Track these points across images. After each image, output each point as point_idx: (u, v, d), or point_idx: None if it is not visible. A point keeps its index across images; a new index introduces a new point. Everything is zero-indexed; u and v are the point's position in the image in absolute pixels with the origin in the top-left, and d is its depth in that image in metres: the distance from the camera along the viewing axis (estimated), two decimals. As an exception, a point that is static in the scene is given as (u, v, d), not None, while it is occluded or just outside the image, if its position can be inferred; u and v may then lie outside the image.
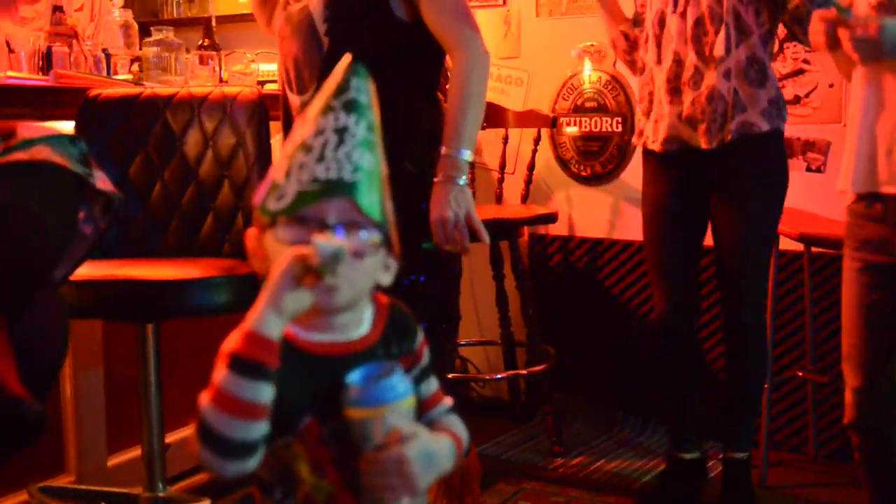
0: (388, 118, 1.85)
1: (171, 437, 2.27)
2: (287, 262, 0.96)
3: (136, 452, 2.37)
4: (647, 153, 2.44)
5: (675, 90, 2.30)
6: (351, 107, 1.03)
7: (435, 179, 1.81)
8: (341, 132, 1.02)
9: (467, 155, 1.81)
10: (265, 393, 0.95)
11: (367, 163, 1.03)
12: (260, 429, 0.95)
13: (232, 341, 0.99)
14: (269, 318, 0.95)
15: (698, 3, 2.26)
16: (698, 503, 2.52)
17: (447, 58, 1.95)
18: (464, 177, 1.81)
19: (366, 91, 1.05)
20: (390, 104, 1.88)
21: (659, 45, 2.33)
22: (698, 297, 2.54)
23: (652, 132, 2.37)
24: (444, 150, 1.81)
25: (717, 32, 2.25)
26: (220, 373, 0.95)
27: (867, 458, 1.93)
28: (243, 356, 0.94)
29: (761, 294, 2.45)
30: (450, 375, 3.24)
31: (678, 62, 2.28)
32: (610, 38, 2.51)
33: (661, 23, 2.32)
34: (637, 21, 2.44)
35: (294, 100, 1.91)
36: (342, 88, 1.04)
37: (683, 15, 2.28)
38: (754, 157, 2.32)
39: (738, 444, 2.48)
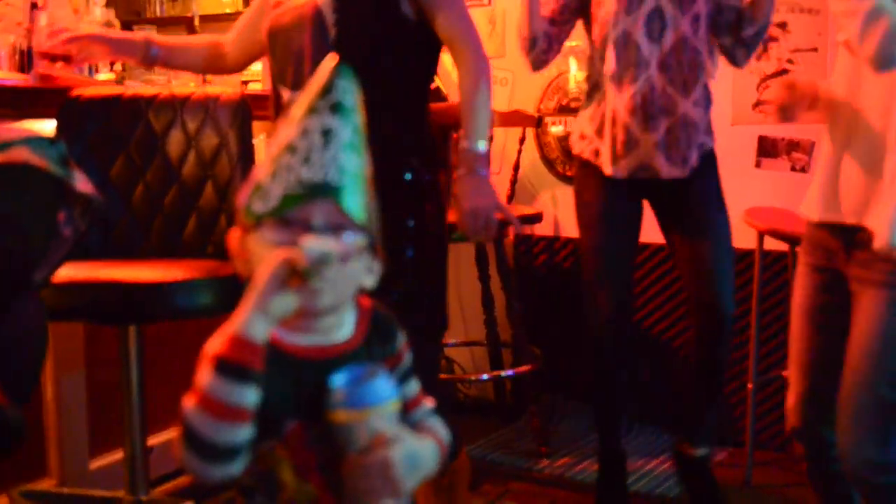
0: (392, 120, 1.85)
1: (153, 440, 2.25)
2: (273, 264, 0.95)
3: (118, 455, 2.35)
4: (595, 169, 2.37)
5: (648, 117, 2.26)
6: (336, 109, 1.03)
7: (458, 173, 1.87)
8: (327, 134, 1.01)
9: (485, 146, 1.87)
10: (250, 396, 0.94)
11: (352, 165, 1.02)
12: (245, 432, 0.94)
13: (214, 344, 0.98)
14: (255, 321, 0.95)
15: (676, 29, 2.24)
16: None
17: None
18: (485, 168, 1.87)
19: (351, 93, 1.05)
20: (396, 105, 1.88)
21: (625, 66, 2.26)
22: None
23: (612, 155, 2.31)
24: (464, 143, 1.86)
25: (694, 59, 2.25)
26: (205, 376, 0.94)
27: (811, 465, 1.95)
28: (229, 359, 0.94)
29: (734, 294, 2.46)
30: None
31: (651, 88, 2.25)
32: (525, 34, 2.38)
33: (626, 43, 2.26)
34: (554, 21, 2.38)
35: (291, 96, 1.88)
36: (327, 90, 1.03)
37: (658, 40, 2.24)
38: (710, 173, 2.37)
39: (701, 440, 2.48)
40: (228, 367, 0.93)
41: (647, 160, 2.28)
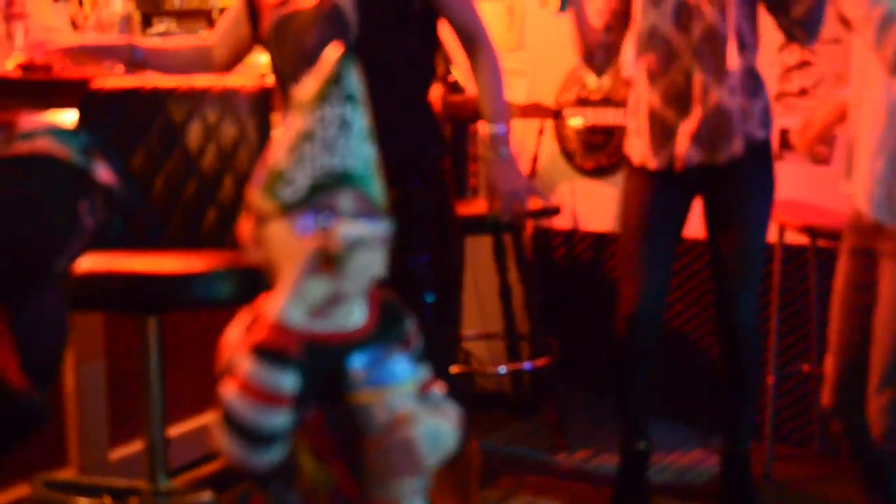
0: (410, 111, 1.89)
1: (173, 430, 2.27)
2: (308, 250, 0.97)
3: (138, 445, 2.37)
4: (637, 169, 2.39)
5: (683, 107, 2.26)
6: (348, 98, 1.05)
7: (487, 158, 1.99)
8: (343, 123, 1.03)
9: (504, 128, 1.96)
10: (290, 381, 0.96)
11: (369, 153, 1.05)
12: (286, 417, 0.97)
13: (236, 332, 1.00)
14: (291, 307, 0.97)
15: (702, 18, 2.23)
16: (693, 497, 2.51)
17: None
18: (507, 148, 1.97)
19: (358, 83, 1.07)
20: (412, 98, 1.93)
21: (657, 59, 2.27)
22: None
23: (650, 148, 2.32)
24: (486, 129, 1.97)
25: (722, 46, 2.23)
26: (246, 363, 0.95)
27: (849, 443, 1.97)
28: (269, 345, 0.96)
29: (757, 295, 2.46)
30: (452, 370, 3.24)
31: (686, 77, 2.25)
32: (581, 49, 2.40)
33: (656, 37, 2.26)
34: (610, 29, 2.39)
35: None
36: (338, 79, 1.05)
37: (686, 29, 2.23)
38: (754, 166, 2.35)
39: (738, 439, 2.48)
40: (268, 353, 0.95)
41: (683, 150, 2.28)
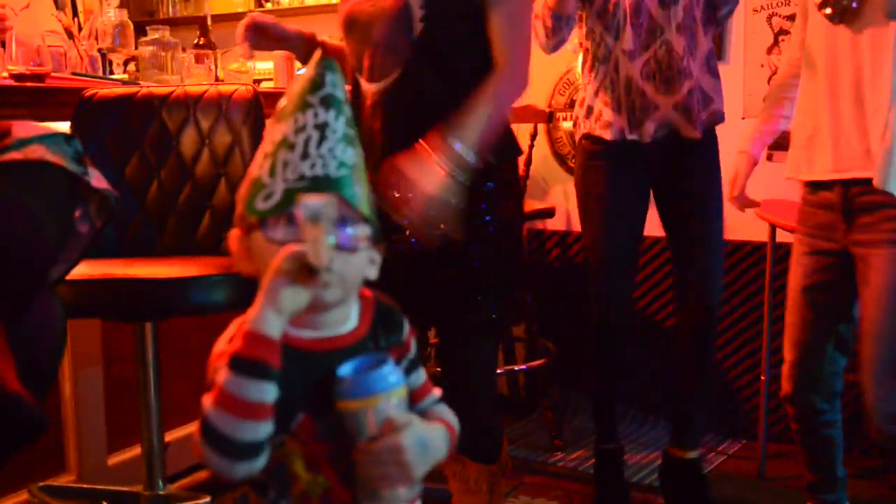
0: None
1: (170, 436, 2.28)
2: (281, 260, 0.96)
3: (136, 451, 2.38)
4: (598, 144, 2.36)
5: (666, 80, 2.28)
6: (329, 102, 1.03)
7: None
8: (322, 128, 1.02)
9: (472, 156, 1.71)
10: (269, 392, 0.95)
11: (350, 158, 1.03)
12: (266, 429, 0.95)
13: (224, 342, 0.99)
14: (268, 318, 0.95)
15: None
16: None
17: None
18: (463, 175, 1.69)
19: (340, 86, 1.05)
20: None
21: (640, 34, 2.27)
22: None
23: (629, 122, 2.31)
24: (451, 139, 1.71)
25: (695, 24, 2.27)
26: (223, 374, 0.95)
27: (799, 427, 2.11)
28: (246, 356, 0.94)
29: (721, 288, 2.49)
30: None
31: (669, 52, 2.27)
32: (565, 11, 2.28)
33: (639, 11, 2.27)
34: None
35: (369, 88, 1.82)
36: (317, 84, 1.04)
37: (666, 4, 2.25)
38: (713, 146, 2.40)
39: (692, 442, 2.46)
40: (246, 364, 0.94)
41: (668, 121, 2.30)
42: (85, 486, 2.25)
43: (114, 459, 2.45)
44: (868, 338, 1.89)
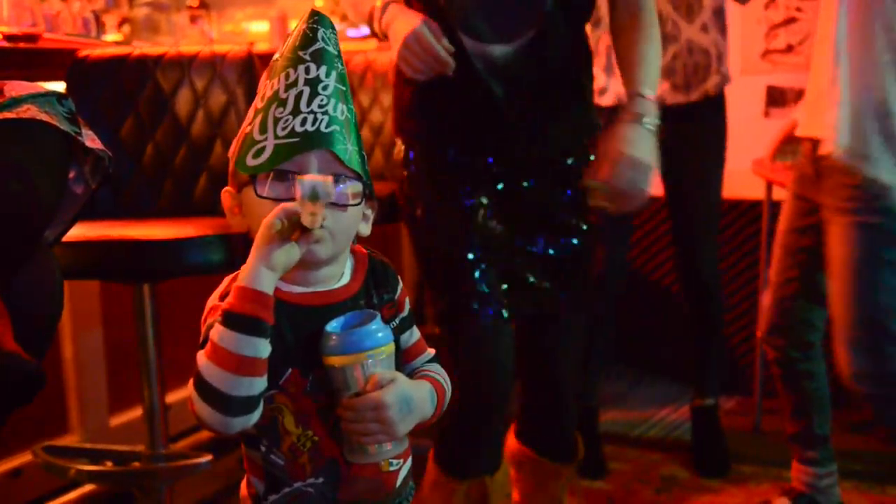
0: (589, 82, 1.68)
1: (172, 397, 2.30)
2: (273, 217, 0.96)
3: (138, 412, 2.40)
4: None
5: None
6: (321, 57, 1.02)
7: (620, 118, 1.61)
8: (313, 83, 1.01)
9: (654, 94, 1.61)
10: (263, 348, 0.95)
11: (341, 113, 1.02)
12: (260, 384, 0.96)
13: (216, 298, 0.99)
14: (261, 274, 0.95)
15: None
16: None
17: None
18: (654, 121, 1.59)
19: (333, 41, 1.04)
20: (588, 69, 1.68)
21: None
22: None
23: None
24: (631, 88, 1.61)
25: None
26: (217, 330, 0.95)
27: (777, 372, 2.16)
28: (239, 312, 0.94)
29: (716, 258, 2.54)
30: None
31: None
32: None
33: None
34: None
35: (487, 50, 1.57)
36: (309, 39, 1.03)
37: None
38: (718, 111, 2.38)
39: (706, 392, 2.55)
40: (240, 320, 0.94)
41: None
42: (87, 446, 2.27)
43: (116, 420, 2.47)
44: (833, 302, 1.93)
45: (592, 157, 1.63)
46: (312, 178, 0.96)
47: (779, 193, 2.71)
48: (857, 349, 1.89)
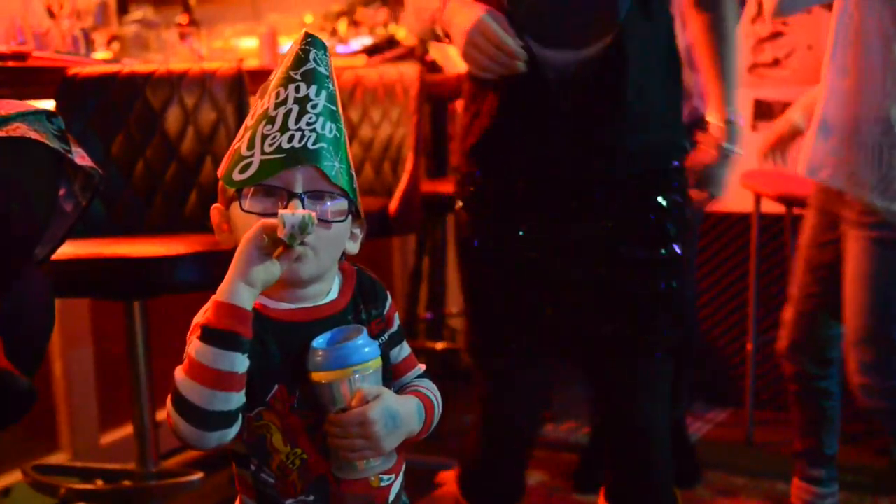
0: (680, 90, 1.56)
1: (162, 415, 2.28)
2: (254, 232, 0.96)
3: (128, 429, 2.39)
4: None
5: None
6: (311, 77, 1.03)
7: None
8: (303, 102, 1.02)
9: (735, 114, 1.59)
10: (241, 363, 0.95)
11: (330, 131, 1.03)
12: (238, 399, 0.95)
13: (200, 315, 0.99)
14: (239, 289, 0.95)
15: None
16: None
17: None
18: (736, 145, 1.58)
19: (325, 63, 1.05)
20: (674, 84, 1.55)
21: None
22: None
23: None
24: (718, 114, 1.58)
25: None
26: (194, 345, 0.95)
27: (793, 389, 2.15)
28: (217, 327, 0.94)
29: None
30: (438, 346, 3.28)
31: None
32: None
33: None
34: None
35: (557, 57, 1.42)
36: (301, 60, 1.04)
37: None
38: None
39: (676, 405, 2.53)
40: (216, 335, 0.94)
41: None
42: (78, 464, 2.26)
43: (106, 438, 2.46)
44: (847, 311, 1.93)
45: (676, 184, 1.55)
46: (296, 214, 0.96)
47: (768, 206, 2.73)
48: (867, 362, 1.88)
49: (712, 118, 1.54)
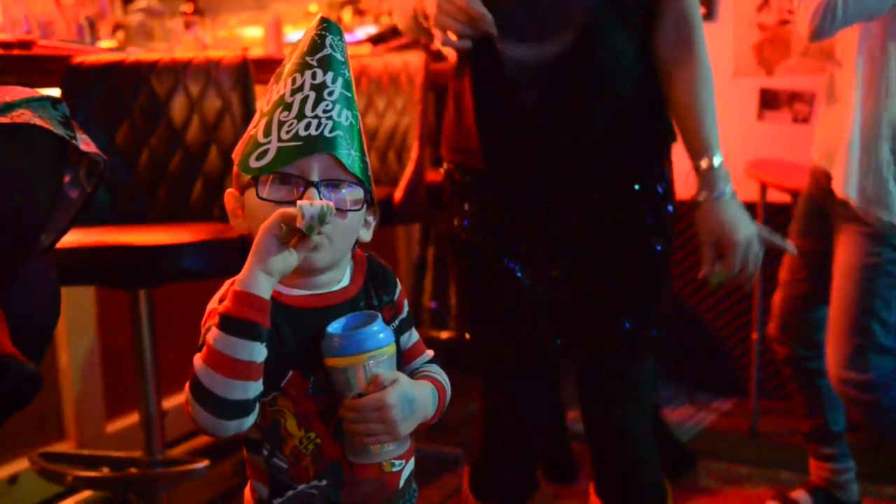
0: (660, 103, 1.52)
1: (169, 402, 2.30)
2: (272, 222, 0.96)
3: (134, 418, 2.40)
4: None
5: None
6: (327, 64, 1.03)
7: (700, 197, 1.51)
8: (319, 89, 1.02)
9: (719, 159, 1.51)
10: (259, 352, 0.95)
11: (346, 119, 1.03)
12: (256, 388, 0.96)
13: (215, 301, 0.99)
14: (258, 279, 0.96)
15: None
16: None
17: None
18: (727, 184, 1.50)
19: (340, 48, 1.05)
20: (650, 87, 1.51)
21: None
22: None
23: None
24: (703, 160, 1.50)
25: None
26: (213, 333, 0.95)
27: (788, 372, 2.20)
28: (236, 316, 0.95)
29: None
30: (443, 335, 3.28)
31: None
32: None
33: None
34: None
35: (523, 53, 1.44)
36: (317, 45, 1.03)
37: None
38: None
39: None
40: (235, 324, 0.94)
41: None
42: (84, 452, 2.27)
43: (112, 426, 2.47)
44: (832, 307, 1.97)
45: (661, 189, 1.53)
46: (315, 204, 0.96)
47: (773, 195, 2.73)
48: (846, 354, 1.93)
49: (699, 164, 1.51)
